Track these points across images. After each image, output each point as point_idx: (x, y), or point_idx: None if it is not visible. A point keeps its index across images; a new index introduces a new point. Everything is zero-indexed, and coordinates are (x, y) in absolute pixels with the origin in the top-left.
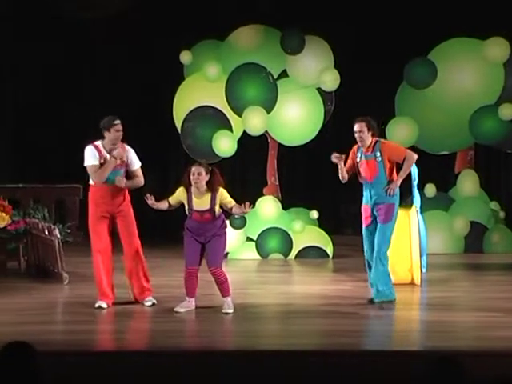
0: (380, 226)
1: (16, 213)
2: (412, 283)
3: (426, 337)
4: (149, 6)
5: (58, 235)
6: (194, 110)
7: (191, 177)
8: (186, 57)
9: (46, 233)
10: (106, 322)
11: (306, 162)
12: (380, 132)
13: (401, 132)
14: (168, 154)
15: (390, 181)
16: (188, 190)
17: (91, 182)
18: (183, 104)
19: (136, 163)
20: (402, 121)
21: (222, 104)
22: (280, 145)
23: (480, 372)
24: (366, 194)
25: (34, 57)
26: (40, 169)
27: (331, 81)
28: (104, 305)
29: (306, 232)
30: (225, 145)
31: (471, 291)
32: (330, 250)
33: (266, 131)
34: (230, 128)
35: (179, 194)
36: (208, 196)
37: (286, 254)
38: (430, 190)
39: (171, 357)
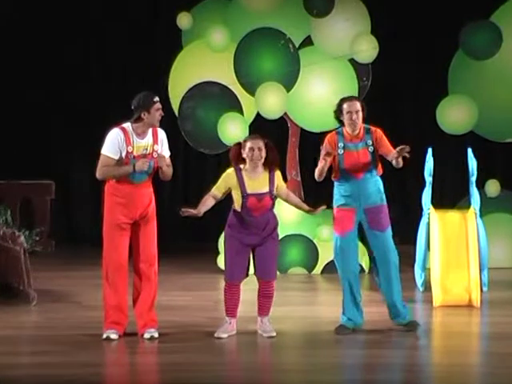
0: (380, 236)
1: None
2: (470, 305)
3: (486, 373)
4: None
5: (24, 244)
6: (194, 86)
7: (249, 153)
8: (184, 20)
9: (9, 241)
10: (84, 353)
11: None
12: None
13: (456, 114)
14: None
15: (379, 177)
16: (238, 172)
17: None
18: (181, 79)
19: (167, 150)
20: (458, 100)
21: (229, 79)
22: (303, 130)
23: None
24: (347, 193)
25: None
26: (4, 162)
27: (367, 50)
28: (114, 335)
29: None
30: (233, 130)
31: None
32: (365, 262)
33: (286, 113)
34: (239, 110)
35: (227, 179)
36: (265, 176)
37: (311, 267)
38: (493, 187)
39: None
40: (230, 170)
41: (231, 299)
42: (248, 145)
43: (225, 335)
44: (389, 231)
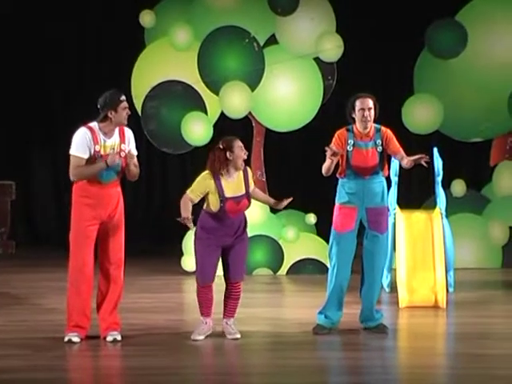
0: (378, 237)
1: None
2: (436, 306)
3: (452, 374)
4: None
5: None
6: (157, 85)
7: (242, 154)
8: (147, 18)
9: None
10: (46, 357)
11: (300, 151)
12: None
13: (421, 114)
14: None
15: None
16: (216, 175)
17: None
18: (144, 78)
19: (134, 150)
20: (423, 99)
21: (193, 78)
22: (268, 130)
23: None
24: (352, 190)
25: None
26: None
27: (332, 49)
28: (76, 338)
29: (301, 241)
30: (197, 130)
31: (511, 316)
32: None
33: (250, 113)
34: (203, 109)
35: (205, 183)
36: (239, 178)
37: (276, 268)
38: (459, 187)
39: None
40: (207, 174)
41: (205, 300)
42: (239, 144)
43: (201, 337)
44: (387, 235)
